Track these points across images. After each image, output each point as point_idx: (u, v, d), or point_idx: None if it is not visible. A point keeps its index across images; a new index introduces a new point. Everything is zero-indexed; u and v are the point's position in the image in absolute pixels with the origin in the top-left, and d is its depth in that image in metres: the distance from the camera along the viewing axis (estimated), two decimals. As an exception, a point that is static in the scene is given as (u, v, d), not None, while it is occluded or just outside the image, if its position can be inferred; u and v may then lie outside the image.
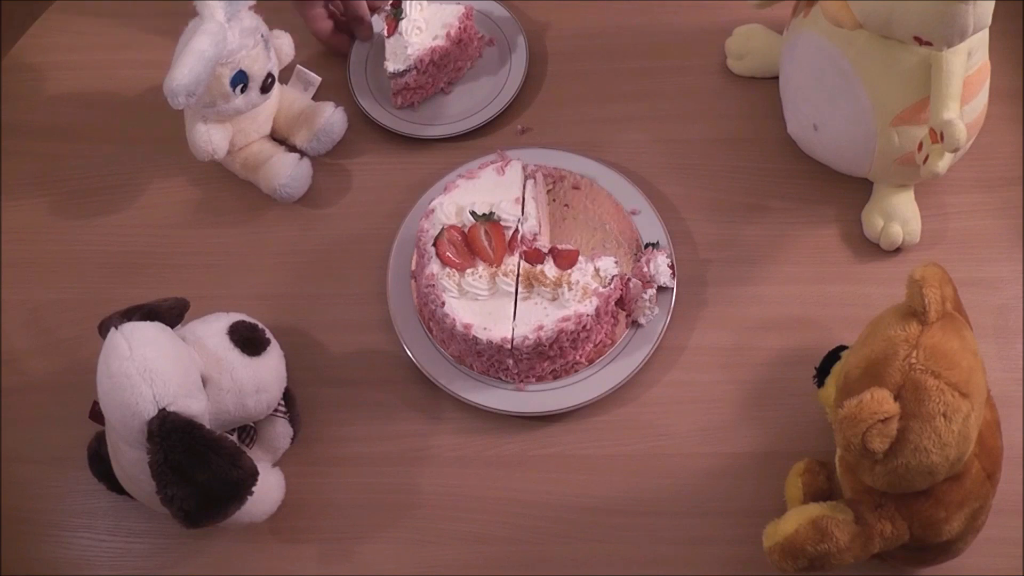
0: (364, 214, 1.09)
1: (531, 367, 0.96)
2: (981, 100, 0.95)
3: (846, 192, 1.05)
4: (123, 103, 1.17)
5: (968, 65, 0.90)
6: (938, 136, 0.88)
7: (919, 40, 0.85)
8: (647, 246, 1.02)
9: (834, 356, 0.84)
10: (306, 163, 1.09)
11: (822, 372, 0.85)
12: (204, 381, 0.83)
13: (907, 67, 0.90)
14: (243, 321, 0.89)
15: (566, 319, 0.93)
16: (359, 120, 1.13)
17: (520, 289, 0.95)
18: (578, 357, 0.97)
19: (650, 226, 1.03)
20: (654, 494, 0.94)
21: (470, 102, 1.13)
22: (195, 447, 0.79)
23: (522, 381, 0.97)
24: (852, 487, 0.82)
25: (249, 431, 0.91)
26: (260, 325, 0.90)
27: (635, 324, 0.99)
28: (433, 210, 0.99)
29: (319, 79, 1.12)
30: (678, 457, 0.95)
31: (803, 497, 0.87)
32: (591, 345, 0.97)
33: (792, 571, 0.78)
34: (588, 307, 0.94)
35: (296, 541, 0.94)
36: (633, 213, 1.04)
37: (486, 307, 0.95)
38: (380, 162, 1.12)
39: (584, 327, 0.94)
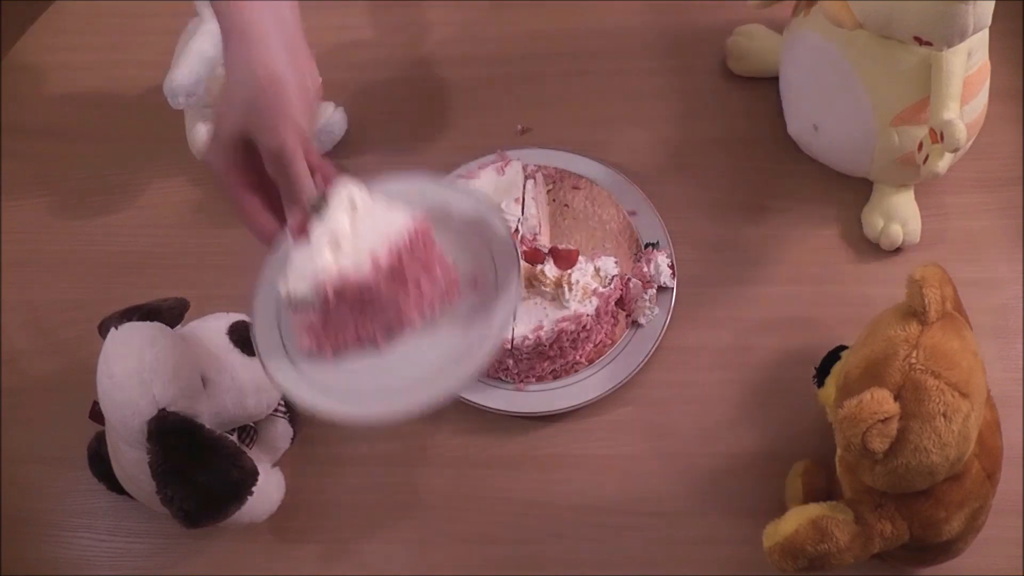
0: (364, 214, 1.09)
1: (531, 367, 0.96)
2: (981, 100, 0.95)
3: (846, 192, 1.05)
4: (123, 103, 1.17)
5: (968, 65, 0.90)
6: (938, 136, 0.88)
7: (919, 40, 0.85)
8: (647, 246, 1.02)
9: (834, 356, 0.84)
10: (306, 163, 1.09)
11: (822, 372, 0.85)
12: (204, 381, 0.83)
13: (907, 67, 0.90)
14: (243, 321, 0.89)
15: (566, 319, 0.93)
16: (359, 120, 1.13)
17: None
18: (578, 357, 0.97)
19: (650, 226, 1.03)
20: (654, 494, 0.94)
21: (414, 371, 0.70)
22: (195, 447, 0.79)
23: (522, 381, 0.97)
24: (852, 487, 0.82)
25: (249, 431, 0.91)
26: (260, 325, 0.90)
27: (635, 324, 0.99)
28: (433, 210, 0.99)
29: (319, 79, 1.12)
30: (678, 457, 0.95)
31: (803, 497, 0.87)
32: (591, 345, 0.97)
33: (792, 571, 0.78)
34: (588, 307, 0.94)
35: (296, 541, 0.93)
36: (633, 213, 1.04)
37: (486, 307, 0.95)
38: (380, 162, 1.12)
39: (584, 327, 0.94)
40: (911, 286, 0.76)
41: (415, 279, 0.70)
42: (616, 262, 0.97)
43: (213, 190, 1.11)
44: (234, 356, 0.86)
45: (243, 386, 0.86)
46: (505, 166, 1.02)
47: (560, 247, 0.97)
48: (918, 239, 1.02)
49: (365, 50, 1.18)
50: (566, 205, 1.05)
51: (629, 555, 0.92)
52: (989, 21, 0.84)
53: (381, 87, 1.16)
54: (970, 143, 0.97)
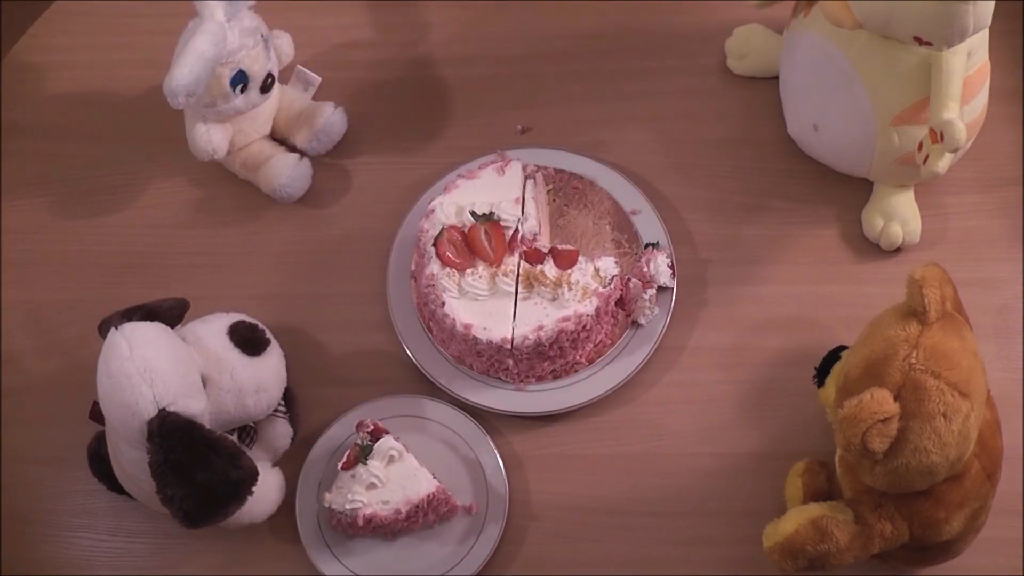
0: (364, 214, 1.09)
1: (531, 367, 0.96)
2: (981, 100, 0.95)
3: (846, 192, 1.05)
4: (123, 103, 1.17)
5: (968, 65, 0.90)
6: (938, 136, 0.88)
7: (919, 40, 0.85)
8: (647, 246, 1.02)
9: (834, 356, 0.85)
10: (306, 163, 1.09)
11: (822, 372, 0.85)
12: (204, 381, 0.83)
13: (907, 67, 0.90)
14: (243, 321, 0.89)
15: (566, 319, 0.93)
16: (359, 120, 1.13)
17: (520, 289, 0.95)
18: (578, 357, 0.97)
19: (650, 226, 1.03)
20: (654, 494, 0.94)
21: (417, 563, 0.92)
22: (195, 447, 0.79)
23: (522, 381, 0.97)
24: (852, 487, 0.82)
25: (249, 431, 0.91)
26: (260, 325, 0.90)
27: (635, 324, 0.99)
28: (433, 210, 0.99)
29: (319, 79, 1.12)
30: (678, 457, 0.95)
31: (803, 497, 0.87)
32: (591, 345, 0.97)
33: (792, 571, 0.78)
34: (588, 307, 0.94)
35: (296, 541, 0.93)
36: (633, 213, 1.04)
37: (486, 307, 0.95)
38: (380, 162, 1.12)
39: (584, 327, 0.94)
40: (911, 286, 0.76)
41: (426, 519, 0.92)
42: (616, 262, 0.97)
43: (213, 190, 1.11)
44: (234, 356, 0.86)
45: (243, 386, 0.86)
46: (505, 166, 1.02)
47: (560, 247, 0.97)
48: (918, 239, 1.02)
49: (365, 50, 1.18)
50: (566, 205, 1.05)
51: (629, 555, 0.92)
52: (989, 21, 0.84)
53: (381, 87, 1.16)
54: (970, 143, 0.97)
